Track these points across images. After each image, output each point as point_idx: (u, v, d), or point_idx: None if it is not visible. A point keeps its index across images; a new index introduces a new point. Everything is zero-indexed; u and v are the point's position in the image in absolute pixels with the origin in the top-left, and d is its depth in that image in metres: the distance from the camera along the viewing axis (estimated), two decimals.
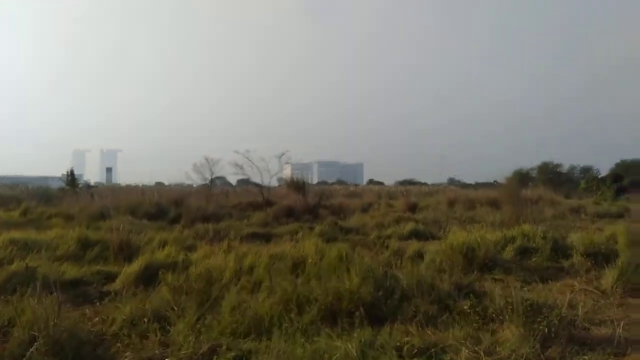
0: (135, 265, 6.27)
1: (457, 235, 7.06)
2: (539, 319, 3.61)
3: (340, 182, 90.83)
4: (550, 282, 6.15)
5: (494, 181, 23.49)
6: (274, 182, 26.32)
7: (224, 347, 3.49)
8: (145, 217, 14.59)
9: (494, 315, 4.07)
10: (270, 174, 22.06)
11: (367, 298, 4.35)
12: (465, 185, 51.77)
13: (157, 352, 3.55)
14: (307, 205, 19.18)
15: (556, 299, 5.03)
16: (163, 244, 8.29)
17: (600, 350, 3.42)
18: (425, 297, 4.65)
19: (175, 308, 4.42)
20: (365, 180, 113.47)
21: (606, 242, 8.51)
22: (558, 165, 49.73)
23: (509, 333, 3.66)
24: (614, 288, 5.46)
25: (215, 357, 3.38)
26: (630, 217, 16.37)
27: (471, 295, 4.58)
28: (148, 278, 5.88)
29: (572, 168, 49.66)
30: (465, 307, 4.31)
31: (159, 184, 40.56)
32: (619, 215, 17.05)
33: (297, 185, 22.16)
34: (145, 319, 4.12)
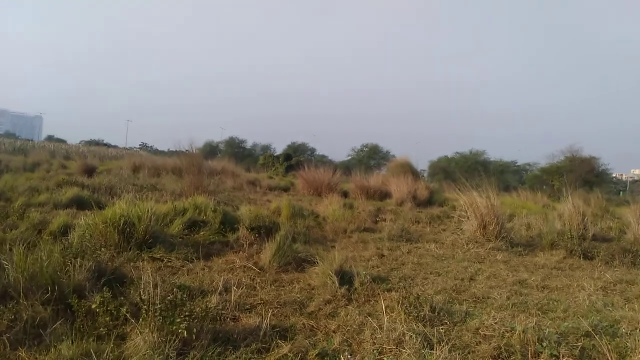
0: None
1: (117, 207, 5.87)
2: (178, 319, 2.91)
3: (9, 135, 74.73)
4: (213, 258, 5.78)
5: (186, 150, 23.51)
6: None
7: None
8: None
9: (127, 314, 3.17)
10: None
11: None
12: (158, 152, 50.65)
13: None
14: None
15: (213, 281, 4.60)
16: None
17: (244, 348, 2.99)
18: (42, 295, 3.37)
19: None
20: (44, 136, 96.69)
21: (272, 214, 9.02)
22: (243, 141, 55.93)
23: (141, 340, 2.83)
24: (271, 263, 5.46)
25: None
26: (293, 190, 18.95)
27: (106, 287, 3.56)
28: None
29: (255, 145, 56.43)
30: (94, 306, 3.27)
31: None
32: (287, 189, 19.39)
33: None
34: None
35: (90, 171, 18.37)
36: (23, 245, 4.13)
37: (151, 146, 65.38)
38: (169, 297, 3.09)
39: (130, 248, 5.45)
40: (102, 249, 5.21)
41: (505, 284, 5.51)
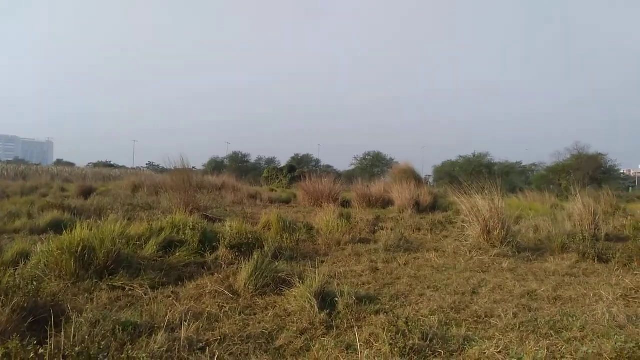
0: None
1: (76, 230, 5.29)
2: None
3: (18, 161, 75.32)
4: (186, 282, 5.19)
5: (193, 167, 23.21)
6: None
7: None
8: None
9: None
10: None
11: None
12: (164, 170, 50.42)
13: None
14: None
15: (169, 312, 3.99)
16: None
17: None
18: None
19: None
20: (54, 161, 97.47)
21: (260, 229, 8.41)
22: (246, 155, 55.48)
23: None
24: (247, 286, 4.85)
25: None
26: (295, 202, 18.29)
27: (18, 334, 2.99)
28: None
29: (259, 159, 56.01)
30: None
31: None
32: (288, 201, 18.73)
33: None
34: None
35: (87, 193, 18.01)
36: None
37: (157, 165, 65.17)
38: (77, 348, 2.50)
39: (90, 277, 4.88)
40: (57, 280, 4.68)
41: (512, 297, 4.86)
